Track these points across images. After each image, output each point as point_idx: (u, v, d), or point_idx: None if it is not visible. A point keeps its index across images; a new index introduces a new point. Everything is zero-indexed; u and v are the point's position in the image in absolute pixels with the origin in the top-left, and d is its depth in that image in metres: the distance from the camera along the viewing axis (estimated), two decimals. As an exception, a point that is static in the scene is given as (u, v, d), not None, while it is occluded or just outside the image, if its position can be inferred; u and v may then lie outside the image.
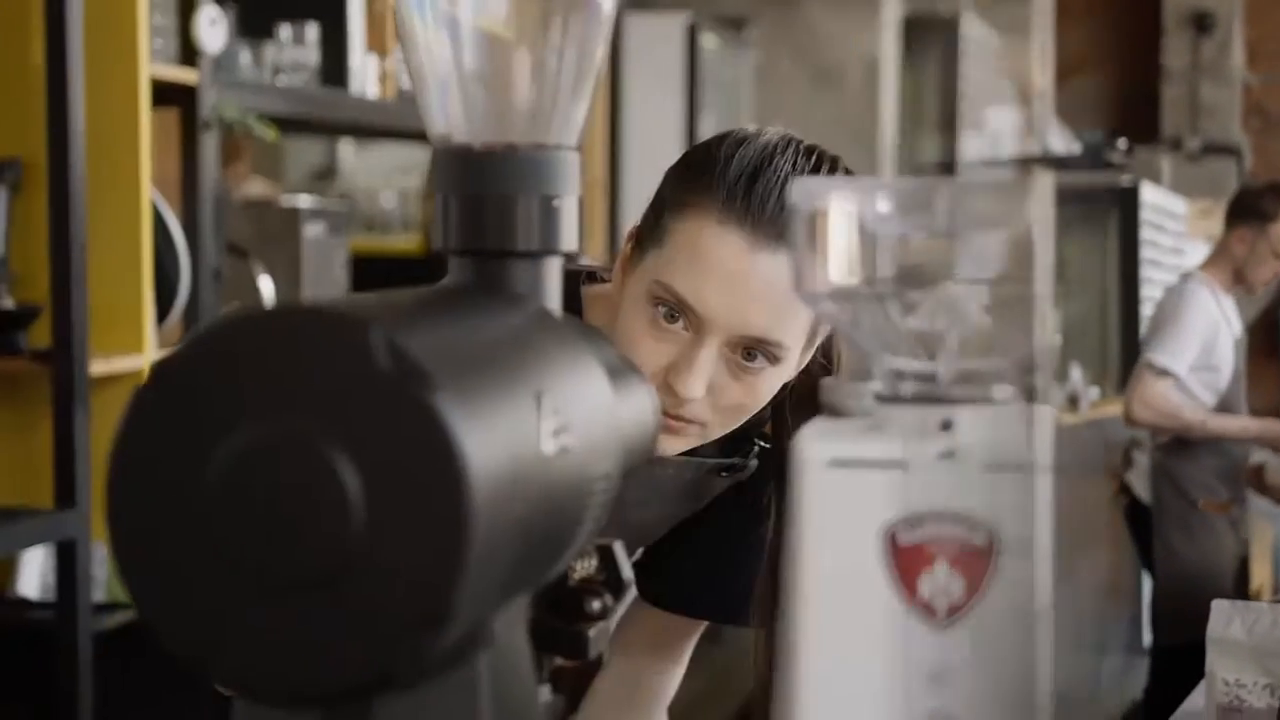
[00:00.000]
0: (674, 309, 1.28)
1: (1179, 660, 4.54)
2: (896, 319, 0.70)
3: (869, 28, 5.63)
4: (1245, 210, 4.62)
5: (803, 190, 0.69)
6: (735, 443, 1.48)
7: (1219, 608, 2.03)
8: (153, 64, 2.67)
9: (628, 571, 0.87)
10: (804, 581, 0.68)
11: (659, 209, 1.33)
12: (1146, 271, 7.00)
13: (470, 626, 0.64)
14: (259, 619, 0.61)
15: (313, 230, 3.17)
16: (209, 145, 2.82)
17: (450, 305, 0.72)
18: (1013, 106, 5.82)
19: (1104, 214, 6.88)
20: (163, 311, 2.72)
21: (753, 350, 1.28)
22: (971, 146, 5.62)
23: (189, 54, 2.79)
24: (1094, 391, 6.00)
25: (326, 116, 3.38)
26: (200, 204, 2.79)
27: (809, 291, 0.70)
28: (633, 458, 0.82)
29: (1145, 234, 6.98)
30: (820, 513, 0.68)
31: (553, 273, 0.79)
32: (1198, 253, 8.23)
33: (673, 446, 1.33)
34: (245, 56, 3.08)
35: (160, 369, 0.62)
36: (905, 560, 0.67)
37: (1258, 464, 4.97)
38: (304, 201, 3.32)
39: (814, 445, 0.68)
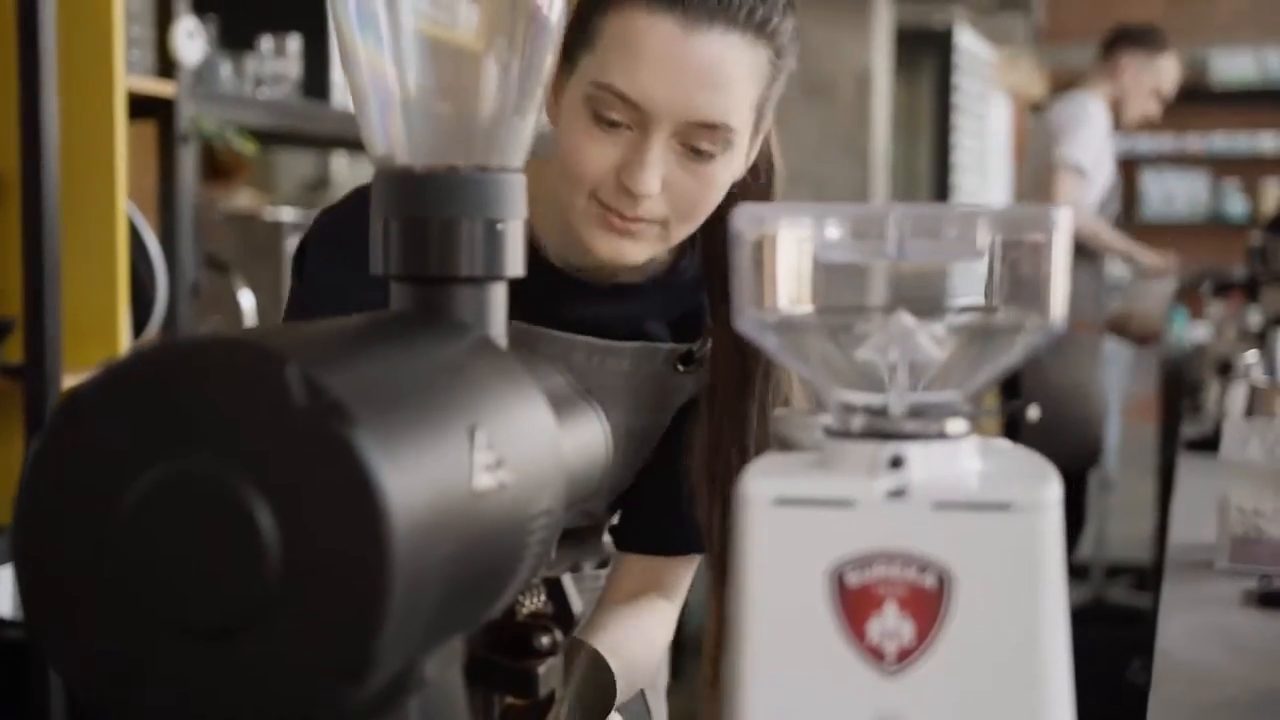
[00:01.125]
0: (614, 110, 1.26)
1: None
2: (846, 350, 0.67)
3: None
4: (1137, 39, 4.64)
5: (748, 216, 0.66)
6: (688, 324, 1.43)
7: (1233, 426, 1.85)
8: (130, 76, 2.63)
9: (578, 604, 0.84)
10: (748, 623, 0.65)
11: (583, 16, 1.30)
12: (954, 118, 7.03)
13: (397, 671, 0.61)
14: (170, 665, 0.58)
15: (295, 244, 3.14)
16: (187, 159, 2.79)
17: (383, 335, 0.69)
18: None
19: (916, 55, 6.89)
20: (139, 326, 2.68)
21: (701, 143, 1.26)
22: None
23: (167, 66, 2.75)
24: None
25: (308, 129, 3.35)
26: (178, 218, 2.76)
27: (754, 320, 0.67)
28: (579, 489, 0.79)
29: (956, 79, 7.00)
30: (765, 552, 0.65)
31: (498, 299, 0.76)
32: (1000, 104, 8.26)
33: (634, 252, 1.30)
34: (226, 68, 3.04)
35: (72, 399, 0.59)
36: (853, 602, 0.64)
37: (1125, 310, 4.99)
38: (287, 215, 3.29)
39: (759, 483, 0.65)
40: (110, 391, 0.59)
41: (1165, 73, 4.68)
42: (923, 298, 0.71)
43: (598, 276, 1.40)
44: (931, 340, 0.66)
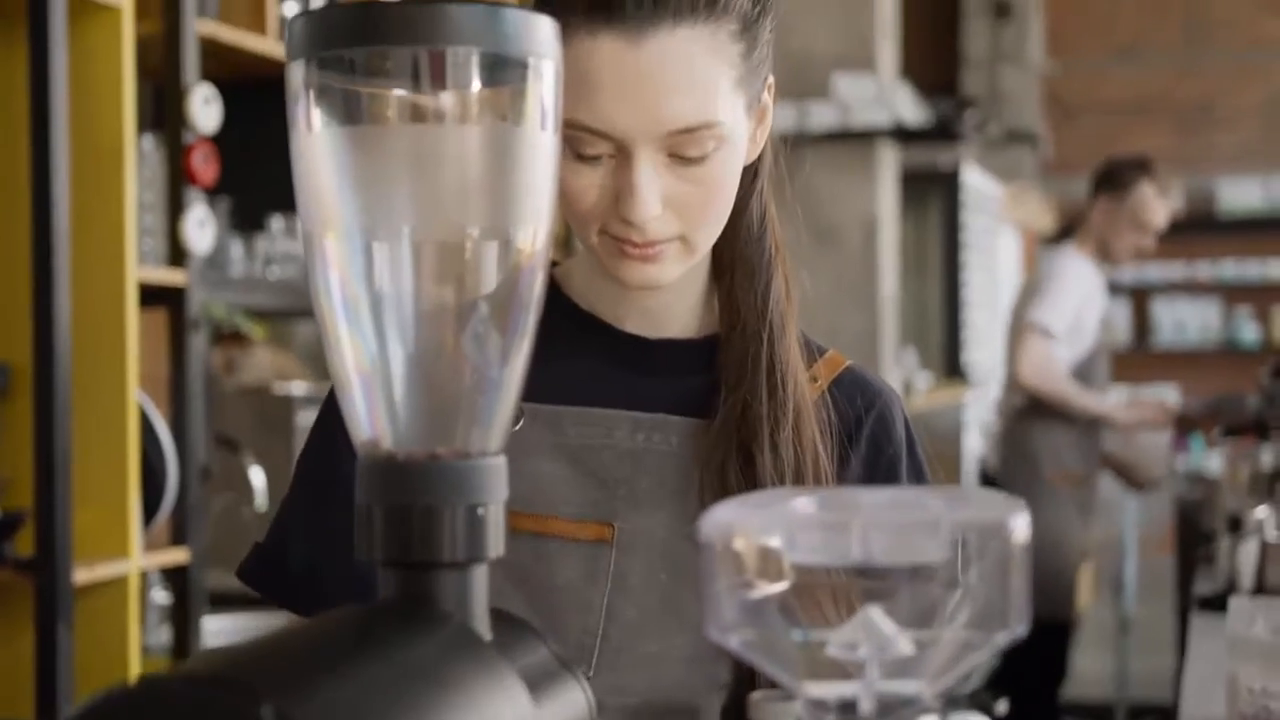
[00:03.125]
0: (589, 145, 1.19)
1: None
2: (814, 645, 0.68)
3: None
4: (1105, 181, 4.75)
5: (714, 524, 0.68)
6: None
7: (1239, 605, 1.83)
8: (141, 266, 2.67)
9: None
10: None
11: None
12: (963, 255, 7.08)
13: None
14: None
15: (306, 418, 3.17)
16: (197, 345, 2.82)
17: (358, 642, 0.70)
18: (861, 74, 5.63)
19: (924, 194, 6.94)
20: (150, 513, 2.70)
21: (688, 150, 1.19)
22: (822, 114, 5.52)
23: (178, 254, 2.79)
24: (926, 377, 6.14)
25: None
26: (188, 403, 2.78)
27: (721, 622, 0.68)
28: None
29: (964, 216, 7.05)
30: None
31: (479, 583, 0.77)
32: (1009, 237, 8.34)
33: (662, 274, 1.24)
34: (237, 249, 3.09)
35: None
36: None
37: (1125, 457, 4.99)
38: (298, 389, 3.32)
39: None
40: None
41: (1141, 205, 4.69)
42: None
43: (651, 330, 1.34)
44: (902, 637, 0.67)
